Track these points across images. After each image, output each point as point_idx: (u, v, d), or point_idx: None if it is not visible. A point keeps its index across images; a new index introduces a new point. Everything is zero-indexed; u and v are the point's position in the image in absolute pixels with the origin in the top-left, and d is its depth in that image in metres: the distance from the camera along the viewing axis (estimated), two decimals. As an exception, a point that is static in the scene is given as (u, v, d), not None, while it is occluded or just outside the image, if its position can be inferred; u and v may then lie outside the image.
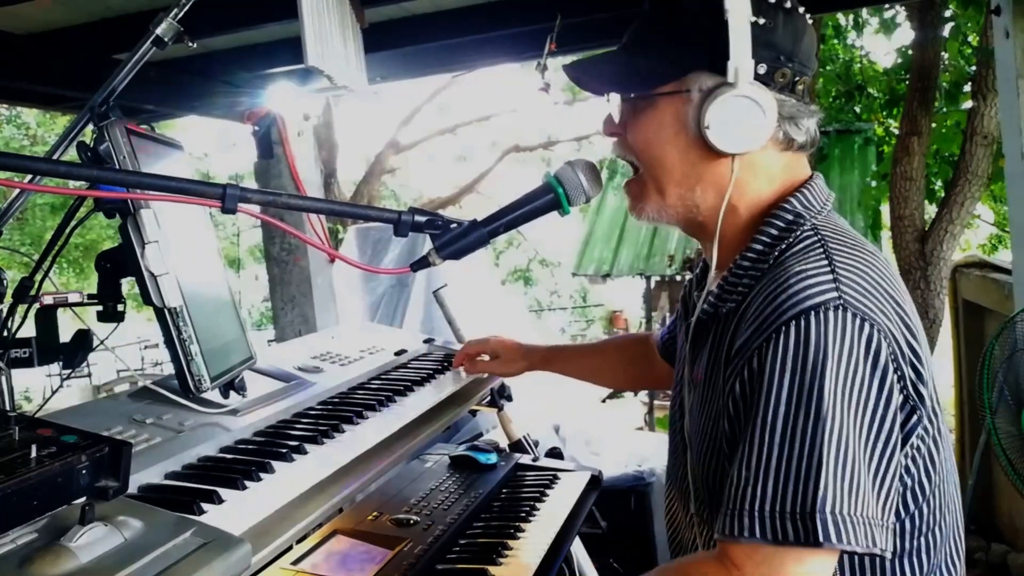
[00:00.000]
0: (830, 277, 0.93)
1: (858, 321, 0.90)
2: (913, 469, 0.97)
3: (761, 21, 0.99)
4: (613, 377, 1.87)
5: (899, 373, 0.92)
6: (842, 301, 0.90)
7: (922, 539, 1.00)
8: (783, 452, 0.88)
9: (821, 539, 0.85)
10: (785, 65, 1.00)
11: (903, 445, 0.94)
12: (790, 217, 1.03)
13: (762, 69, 0.99)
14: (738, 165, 1.02)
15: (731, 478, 0.93)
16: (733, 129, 0.99)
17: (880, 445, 0.89)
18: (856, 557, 0.97)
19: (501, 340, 1.87)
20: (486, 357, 1.88)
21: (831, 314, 0.89)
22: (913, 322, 0.97)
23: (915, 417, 0.94)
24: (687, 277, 1.33)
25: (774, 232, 1.03)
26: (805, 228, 1.02)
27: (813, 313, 0.90)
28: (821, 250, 0.97)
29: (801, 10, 1.04)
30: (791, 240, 1.01)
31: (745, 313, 0.99)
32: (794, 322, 0.90)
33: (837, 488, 0.86)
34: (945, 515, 1.03)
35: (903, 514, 0.98)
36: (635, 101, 1.08)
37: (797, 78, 1.01)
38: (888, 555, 0.90)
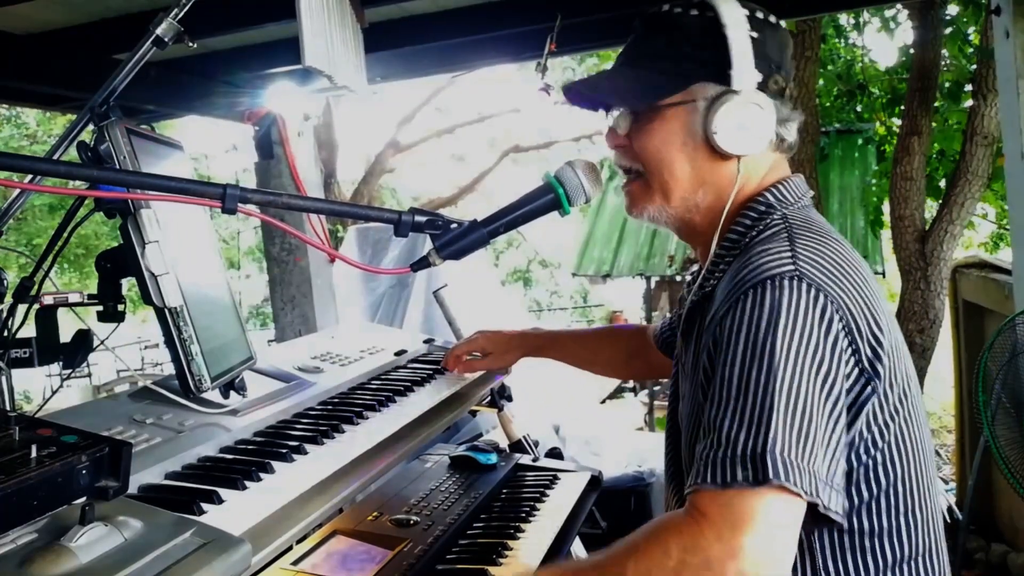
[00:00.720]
0: (789, 254, 1.00)
1: (813, 291, 0.96)
2: (882, 445, 1.01)
3: (755, 35, 1.09)
4: (610, 366, 1.86)
5: (852, 343, 0.97)
6: (798, 272, 0.97)
7: (901, 519, 1.03)
8: (736, 403, 0.94)
9: (770, 476, 0.89)
10: (777, 73, 1.11)
11: (854, 414, 0.99)
12: (762, 208, 1.12)
13: (759, 78, 1.09)
14: (742, 167, 1.11)
15: (700, 437, 0.99)
16: (739, 133, 1.08)
17: (828, 406, 0.94)
18: (834, 532, 1.01)
19: (488, 335, 1.83)
20: (477, 355, 1.85)
21: (786, 282, 0.97)
22: (877, 305, 1.02)
23: (869, 388, 0.99)
24: (687, 278, 1.36)
25: (747, 222, 1.12)
26: (775, 217, 1.10)
27: (770, 281, 0.97)
28: (785, 235, 1.06)
29: (783, 24, 1.15)
30: (761, 227, 1.10)
31: (716, 294, 1.08)
32: (751, 290, 0.98)
33: (786, 434, 0.91)
34: (925, 500, 1.05)
35: (876, 490, 1.02)
36: (642, 113, 1.14)
37: (786, 85, 1.12)
38: (838, 518, 0.94)
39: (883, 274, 7.57)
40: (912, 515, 1.04)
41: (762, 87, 1.09)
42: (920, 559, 1.05)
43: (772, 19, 1.12)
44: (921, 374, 5.08)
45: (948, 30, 5.59)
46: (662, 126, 1.12)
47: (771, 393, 0.92)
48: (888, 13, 6.41)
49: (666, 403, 1.34)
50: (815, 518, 0.95)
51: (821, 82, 6.52)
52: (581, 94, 1.19)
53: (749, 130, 1.08)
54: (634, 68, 1.15)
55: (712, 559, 0.90)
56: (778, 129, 1.12)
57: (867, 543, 1.02)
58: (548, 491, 1.71)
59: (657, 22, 1.14)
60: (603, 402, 8.27)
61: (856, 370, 0.98)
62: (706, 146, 1.11)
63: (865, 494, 1.02)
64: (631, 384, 8.83)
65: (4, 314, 1.30)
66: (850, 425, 0.99)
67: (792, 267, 0.98)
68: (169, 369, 1.34)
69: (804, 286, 0.96)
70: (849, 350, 0.97)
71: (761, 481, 0.90)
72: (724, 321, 0.99)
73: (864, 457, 1.01)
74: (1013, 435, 2.76)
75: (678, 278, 8.76)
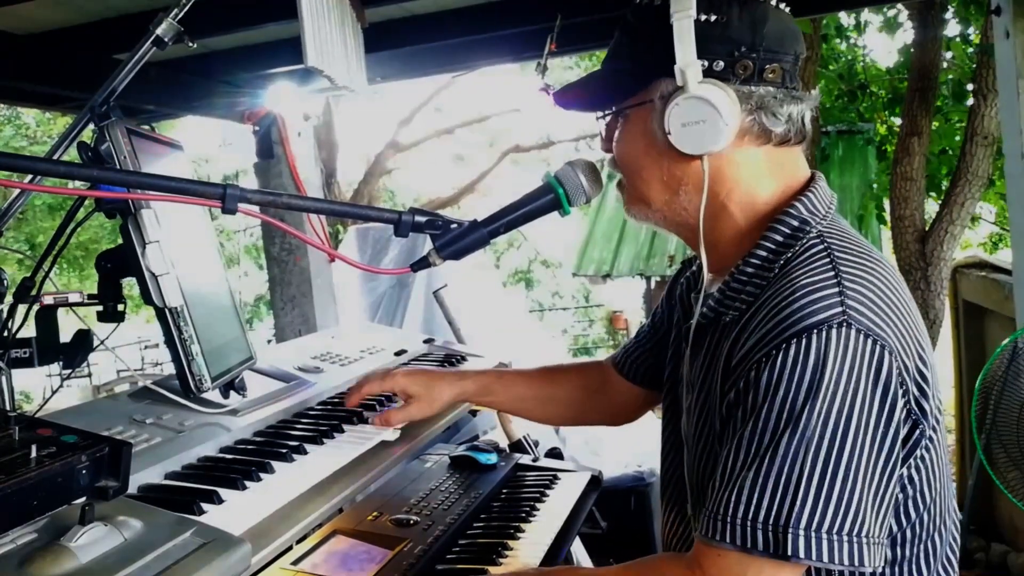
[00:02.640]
0: (836, 291, 0.91)
1: (862, 337, 0.88)
2: (917, 479, 0.97)
3: (712, 18, 0.98)
4: (564, 408, 1.54)
5: (904, 388, 0.90)
6: (846, 317, 0.89)
7: (922, 546, 1.00)
8: (763, 464, 0.88)
9: (790, 552, 0.85)
10: (747, 56, 0.99)
11: (905, 462, 0.94)
12: (795, 223, 1.01)
13: (719, 65, 0.98)
14: (709, 165, 1.01)
15: (714, 482, 0.94)
16: (693, 131, 0.99)
17: (881, 463, 0.89)
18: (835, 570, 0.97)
19: (411, 373, 1.46)
20: (397, 402, 1.50)
21: (834, 332, 0.88)
22: (921, 333, 0.96)
23: (917, 432, 0.94)
24: (683, 272, 1.32)
25: (779, 239, 1.01)
26: (811, 236, 0.99)
27: (815, 331, 0.88)
28: (828, 260, 0.95)
29: (756, 3, 1.01)
30: (797, 248, 0.99)
31: (748, 324, 0.97)
32: (795, 339, 0.89)
33: (818, 507, 0.86)
34: (945, 518, 1.03)
35: (904, 524, 0.98)
36: (611, 117, 1.11)
37: (766, 66, 0.99)
38: (880, 570, 0.90)
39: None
40: (933, 540, 1.01)
41: (724, 75, 0.98)
42: (935, 574, 1.03)
43: None
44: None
45: (950, 25, 5.59)
46: (626, 129, 1.08)
47: (803, 461, 0.86)
48: (890, 13, 6.41)
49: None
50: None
51: (822, 82, 6.51)
52: (564, 102, 1.16)
53: (703, 126, 0.98)
54: (604, 71, 1.11)
55: None
56: (758, 118, 1.00)
57: (887, 572, 0.99)
58: (548, 491, 1.71)
59: (625, 21, 1.07)
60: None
61: (906, 415, 0.91)
62: (670, 147, 1.01)
63: (894, 527, 0.97)
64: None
65: (4, 314, 1.30)
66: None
67: (840, 309, 0.89)
68: (169, 369, 1.34)
69: (853, 333, 0.88)
70: (902, 400, 0.90)
71: (780, 556, 0.86)
72: (763, 368, 0.90)
73: (900, 495, 0.96)
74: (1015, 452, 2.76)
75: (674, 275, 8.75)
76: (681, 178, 1.04)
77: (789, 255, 0.99)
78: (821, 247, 0.98)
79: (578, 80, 1.15)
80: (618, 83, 1.07)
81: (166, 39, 1.31)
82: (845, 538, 0.86)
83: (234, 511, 1.04)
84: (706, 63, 0.98)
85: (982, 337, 4.33)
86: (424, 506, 1.51)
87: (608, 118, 1.12)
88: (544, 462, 1.93)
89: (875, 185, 6.68)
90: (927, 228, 5.48)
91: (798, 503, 0.86)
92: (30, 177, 1.11)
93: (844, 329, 0.88)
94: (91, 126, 1.26)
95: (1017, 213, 2.94)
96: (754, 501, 0.88)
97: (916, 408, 0.92)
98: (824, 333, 0.88)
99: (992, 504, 4.15)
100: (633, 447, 4.08)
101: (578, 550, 2.03)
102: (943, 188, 5.78)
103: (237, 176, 12.55)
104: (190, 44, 1.39)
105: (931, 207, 5.99)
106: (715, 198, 1.04)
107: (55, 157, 1.25)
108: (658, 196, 1.07)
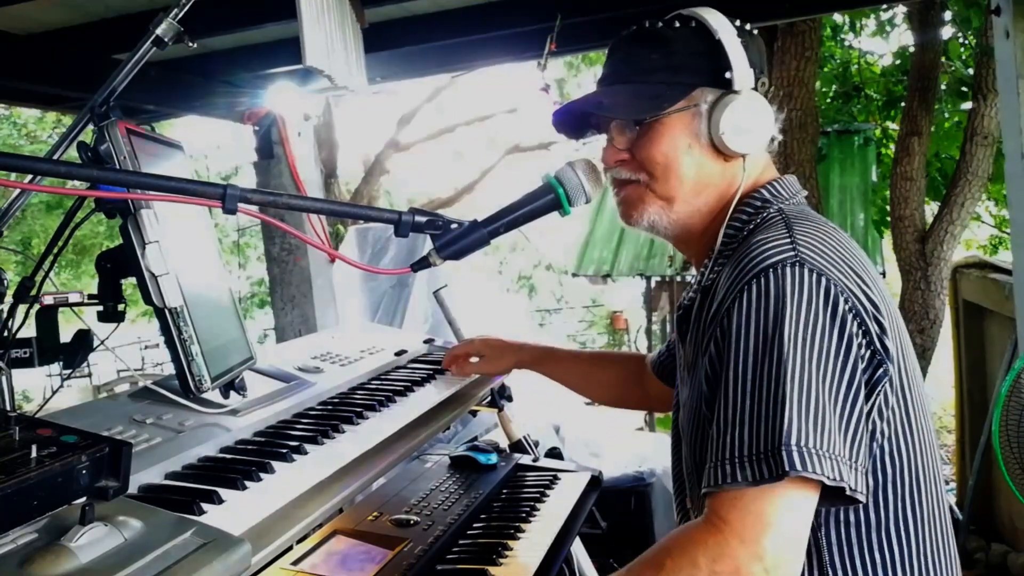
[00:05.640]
0: (788, 241, 1.02)
1: (815, 275, 0.97)
2: (888, 431, 1.02)
3: (741, 41, 1.13)
4: (605, 390, 1.81)
5: (860, 323, 0.98)
6: (799, 258, 0.98)
7: (908, 511, 1.04)
8: (751, 398, 0.95)
9: (787, 468, 0.90)
10: (763, 76, 1.16)
11: (869, 392, 0.99)
12: (758, 203, 1.15)
13: (754, 79, 1.14)
14: (748, 164, 1.15)
15: (710, 435, 0.98)
16: (744, 132, 1.12)
17: (843, 388, 0.95)
18: (842, 523, 1.02)
19: (486, 339, 1.85)
20: (474, 359, 1.86)
21: (788, 269, 0.98)
22: (876, 288, 1.02)
23: (881, 370, 0.99)
24: (690, 282, 1.35)
25: (744, 217, 1.14)
26: (771, 210, 1.13)
27: (771, 269, 0.98)
28: (783, 224, 1.07)
29: (755, 31, 1.19)
30: (758, 221, 1.12)
31: (719, 287, 1.07)
32: (755, 280, 0.99)
33: (801, 424, 0.91)
34: (930, 493, 1.06)
35: (881, 479, 1.02)
36: (645, 124, 1.16)
37: (769, 88, 1.17)
38: (862, 498, 0.94)
39: (883, 274, 7.56)
40: (918, 508, 1.04)
41: (754, 88, 1.13)
42: (927, 556, 1.04)
43: (748, 26, 1.17)
44: (921, 374, 5.07)
45: (950, 26, 5.58)
46: (668, 132, 1.15)
47: (783, 385, 0.93)
48: (885, 15, 6.42)
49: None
50: (832, 505, 0.96)
51: (819, 83, 6.52)
52: (568, 116, 1.23)
53: (752, 128, 1.12)
54: (630, 84, 1.17)
55: (740, 564, 0.91)
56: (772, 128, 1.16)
57: (873, 537, 1.02)
58: (548, 491, 1.71)
59: (645, 38, 1.17)
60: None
61: (869, 351, 0.98)
62: (710, 148, 1.14)
63: (871, 482, 1.01)
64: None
65: (4, 314, 1.30)
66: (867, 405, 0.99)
67: (792, 253, 0.99)
68: (169, 369, 1.34)
69: (806, 271, 0.97)
70: (860, 331, 0.97)
71: (779, 476, 0.90)
72: (731, 313, 0.99)
73: (873, 444, 1.01)
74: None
75: (678, 278, 8.76)
76: (711, 177, 1.16)
77: (751, 226, 1.12)
78: (778, 216, 1.11)
79: (595, 93, 1.22)
80: (658, 92, 1.15)
81: (166, 39, 1.31)
82: (825, 453, 0.91)
83: (234, 511, 1.04)
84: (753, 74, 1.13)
85: (982, 337, 4.33)
86: (424, 506, 1.51)
87: (636, 127, 1.18)
88: (544, 462, 1.93)
89: (877, 185, 6.68)
90: (927, 228, 5.49)
91: (785, 421, 0.92)
92: (30, 177, 1.11)
93: (796, 268, 0.98)
94: (91, 126, 1.26)
95: (1017, 213, 2.93)
96: (754, 433, 0.93)
97: (880, 347, 0.99)
98: (780, 270, 0.98)
99: (992, 504, 4.15)
100: (633, 447, 4.08)
101: (578, 550, 2.02)
102: (941, 191, 5.79)
103: (237, 172, 12.58)
104: (190, 44, 1.39)
105: (930, 207, 6.00)
106: (728, 198, 1.16)
107: (55, 157, 1.25)
108: (683, 196, 1.16)
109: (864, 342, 0.98)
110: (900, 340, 1.04)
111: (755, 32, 1.19)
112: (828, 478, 0.90)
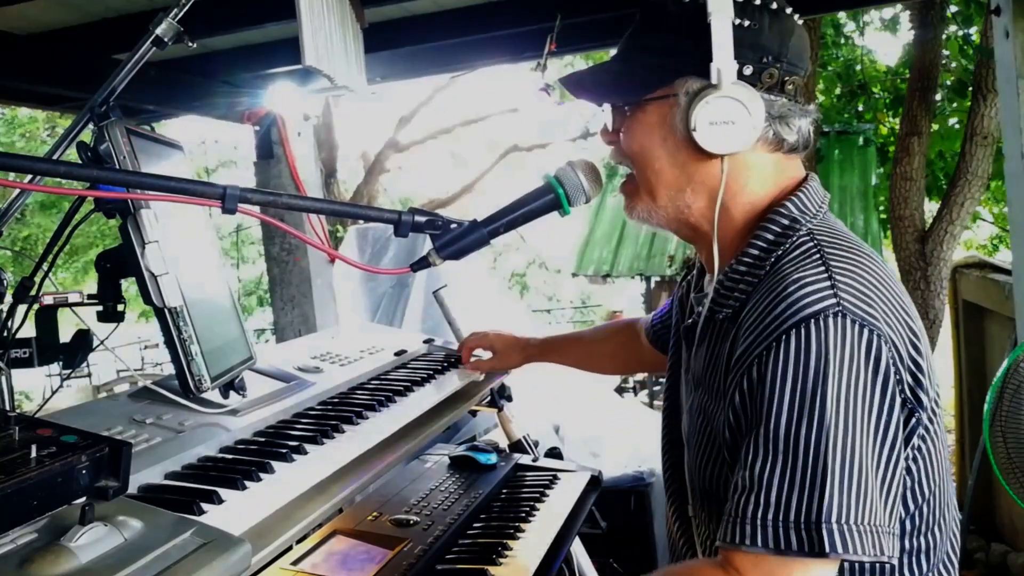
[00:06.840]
0: (828, 284, 0.93)
1: (857, 327, 0.90)
2: (914, 470, 0.98)
3: (746, 23, 1.00)
4: (608, 362, 1.89)
5: (899, 377, 0.92)
6: (841, 308, 0.90)
7: (922, 539, 1.00)
8: (787, 461, 0.88)
9: (827, 550, 0.85)
10: (772, 65, 1.01)
11: (905, 443, 0.94)
12: (786, 222, 1.03)
13: (748, 70, 1.01)
14: (727, 166, 1.03)
15: (734, 486, 0.93)
16: (719, 130, 1.00)
17: (886, 452, 0.90)
18: (858, 562, 0.97)
19: (499, 334, 1.91)
20: (486, 354, 1.91)
21: (831, 321, 0.90)
22: (915, 323, 0.97)
23: (914, 419, 0.94)
24: (688, 279, 1.33)
25: (770, 237, 1.03)
26: (801, 233, 1.02)
27: (813, 321, 0.90)
28: (818, 256, 0.97)
29: (789, 11, 1.05)
30: (787, 246, 1.01)
31: (744, 321, 0.98)
32: (794, 330, 0.90)
33: (843, 498, 0.86)
34: (945, 513, 1.03)
35: (904, 515, 0.98)
36: (629, 109, 1.10)
37: (787, 78, 1.02)
38: (894, 561, 0.90)
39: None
40: (933, 533, 1.01)
41: (752, 80, 1.01)
42: (935, 570, 1.03)
43: (775, 5, 1.03)
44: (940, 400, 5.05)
45: (951, 26, 5.58)
46: (644, 121, 1.07)
47: (825, 453, 0.87)
48: (890, 13, 6.42)
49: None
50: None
51: (821, 83, 6.52)
52: (577, 88, 1.14)
53: (730, 127, 1.00)
54: (623, 62, 1.10)
55: None
56: (774, 127, 1.03)
57: (888, 566, 0.99)
58: (548, 491, 1.71)
59: (648, 14, 1.09)
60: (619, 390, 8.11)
61: (902, 402, 0.92)
62: (689, 144, 1.03)
63: (897, 524, 0.97)
64: (630, 384, 8.83)
65: (4, 314, 1.30)
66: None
67: (834, 301, 0.91)
68: (169, 369, 1.34)
69: (848, 322, 0.90)
70: (898, 386, 0.92)
71: (817, 553, 0.86)
72: (766, 363, 0.91)
73: (904, 489, 0.97)
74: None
75: (678, 278, 8.76)
76: (692, 175, 1.06)
77: (780, 252, 1.01)
78: (811, 244, 1.00)
79: (589, 68, 1.15)
80: (640, 76, 1.07)
81: (166, 39, 1.31)
82: (867, 528, 0.86)
83: (234, 511, 1.04)
84: (737, 66, 1.00)
85: (982, 337, 4.33)
86: (424, 506, 1.51)
87: (620, 109, 1.12)
88: (544, 462, 1.93)
89: (875, 188, 6.68)
90: (927, 228, 5.49)
91: (827, 496, 0.86)
92: (30, 177, 1.11)
93: (840, 319, 0.90)
94: (91, 126, 1.26)
95: (1017, 213, 2.93)
96: (783, 500, 0.88)
97: (911, 397, 0.93)
98: (822, 323, 0.90)
99: (992, 504, 4.15)
100: (633, 447, 4.08)
101: (578, 550, 2.02)
102: (941, 190, 5.79)
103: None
104: (190, 44, 1.39)
105: (930, 207, 6.00)
106: (725, 197, 1.05)
107: (55, 157, 1.25)
108: (665, 190, 1.08)
109: (900, 396, 0.92)
110: (931, 375, 0.97)
111: (784, 11, 1.04)
112: (868, 556, 0.86)
